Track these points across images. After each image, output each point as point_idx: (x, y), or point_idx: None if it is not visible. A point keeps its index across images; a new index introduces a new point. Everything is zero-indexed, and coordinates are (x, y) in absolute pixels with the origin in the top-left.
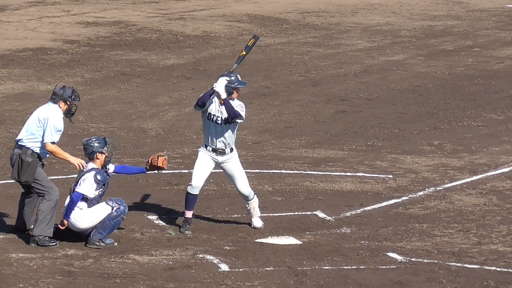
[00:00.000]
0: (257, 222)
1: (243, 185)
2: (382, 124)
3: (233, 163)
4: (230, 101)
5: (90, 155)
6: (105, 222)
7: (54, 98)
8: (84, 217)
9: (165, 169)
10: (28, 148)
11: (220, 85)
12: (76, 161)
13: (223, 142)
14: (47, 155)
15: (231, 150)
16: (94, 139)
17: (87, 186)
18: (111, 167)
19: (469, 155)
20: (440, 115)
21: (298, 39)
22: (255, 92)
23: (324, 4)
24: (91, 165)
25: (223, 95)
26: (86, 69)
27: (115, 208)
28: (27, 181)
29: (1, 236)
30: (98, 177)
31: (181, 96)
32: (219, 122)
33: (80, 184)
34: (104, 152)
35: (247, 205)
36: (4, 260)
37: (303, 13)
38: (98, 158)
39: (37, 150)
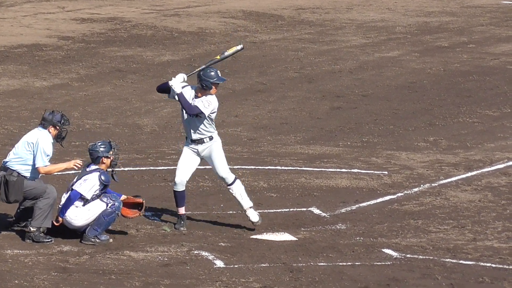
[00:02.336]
0: (252, 216)
1: (221, 167)
2: (377, 121)
3: (212, 149)
4: (207, 95)
5: (95, 160)
6: (100, 219)
7: (44, 123)
8: (79, 215)
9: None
10: (14, 170)
11: (175, 80)
12: (70, 165)
13: (198, 133)
14: (32, 177)
15: (211, 138)
16: (99, 144)
17: (88, 187)
18: (86, 193)
19: (464, 152)
20: (435, 112)
21: (293, 36)
22: (250, 88)
23: (319, 1)
24: (93, 166)
25: (177, 90)
26: (81, 66)
27: (109, 205)
28: (16, 200)
29: None
30: (103, 177)
31: None
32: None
33: (81, 184)
34: (109, 156)
35: (231, 192)
36: (0, 257)
37: (298, 10)
38: (104, 163)
39: (25, 174)
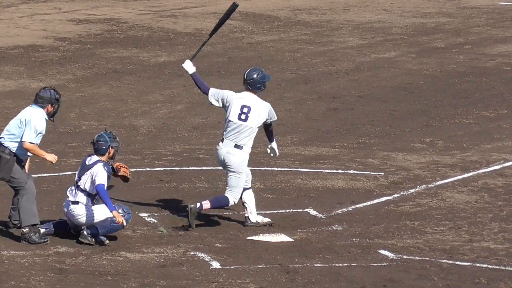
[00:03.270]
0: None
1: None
2: (373, 122)
3: None
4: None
5: (103, 151)
6: (106, 222)
7: (41, 101)
8: (87, 213)
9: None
10: (6, 147)
11: (185, 64)
12: (51, 157)
13: None
14: (26, 156)
15: None
16: (105, 135)
17: (103, 176)
18: (101, 180)
19: (461, 153)
20: (431, 113)
21: (289, 37)
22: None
23: (315, 2)
24: (95, 157)
25: (190, 71)
26: (78, 67)
27: (126, 216)
28: (3, 178)
29: None
30: (106, 168)
31: (173, 94)
32: None
33: (94, 179)
34: (114, 146)
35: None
36: None
37: (294, 11)
38: (110, 153)
39: (14, 150)
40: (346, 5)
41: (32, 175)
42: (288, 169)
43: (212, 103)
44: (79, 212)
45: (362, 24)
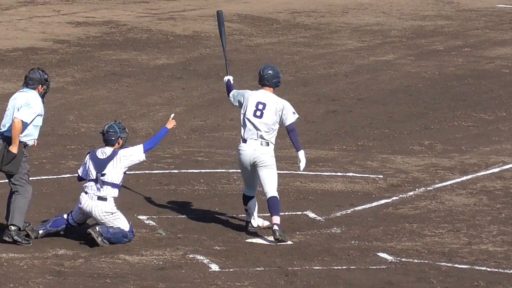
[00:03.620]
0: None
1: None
2: (372, 124)
3: None
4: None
5: (113, 141)
6: (117, 230)
7: (32, 83)
8: (113, 213)
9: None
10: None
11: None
12: (15, 150)
13: None
14: (33, 141)
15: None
16: (115, 125)
17: (132, 150)
18: (140, 148)
19: (460, 155)
20: (430, 115)
21: (288, 39)
22: None
23: (314, 4)
24: (108, 148)
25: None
26: (77, 69)
27: (131, 231)
28: (11, 171)
29: None
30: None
31: (172, 96)
32: None
33: (134, 161)
34: (123, 137)
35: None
36: None
37: (293, 13)
38: (119, 144)
39: (22, 139)
40: (344, 7)
41: (31, 178)
42: (287, 171)
43: (233, 104)
44: (106, 209)
45: (360, 27)
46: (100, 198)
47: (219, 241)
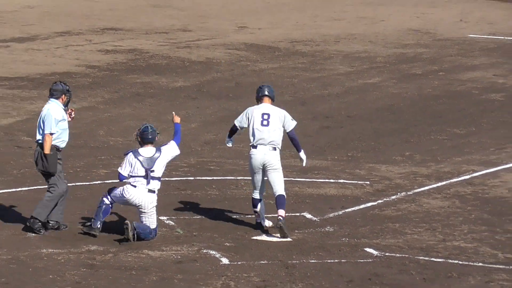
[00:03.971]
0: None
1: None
2: (360, 138)
3: None
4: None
5: (152, 139)
6: (145, 227)
7: (56, 94)
8: (154, 207)
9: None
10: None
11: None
12: (48, 151)
13: None
14: (65, 144)
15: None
16: (150, 126)
17: (170, 147)
18: (174, 144)
19: (435, 165)
20: (410, 130)
21: (288, 65)
22: None
23: (310, 35)
24: (151, 147)
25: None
26: (106, 91)
27: (154, 230)
28: (50, 173)
29: (34, 235)
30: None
31: (188, 114)
32: None
33: (174, 155)
34: (157, 135)
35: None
36: (36, 255)
37: (292, 42)
38: (156, 140)
39: (53, 143)
40: (337, 37)
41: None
42: (287, 178)
43: (243, 127)
44: (154, 200)
45: (350, 54)
46: (150, 191)
47: (228, 239)
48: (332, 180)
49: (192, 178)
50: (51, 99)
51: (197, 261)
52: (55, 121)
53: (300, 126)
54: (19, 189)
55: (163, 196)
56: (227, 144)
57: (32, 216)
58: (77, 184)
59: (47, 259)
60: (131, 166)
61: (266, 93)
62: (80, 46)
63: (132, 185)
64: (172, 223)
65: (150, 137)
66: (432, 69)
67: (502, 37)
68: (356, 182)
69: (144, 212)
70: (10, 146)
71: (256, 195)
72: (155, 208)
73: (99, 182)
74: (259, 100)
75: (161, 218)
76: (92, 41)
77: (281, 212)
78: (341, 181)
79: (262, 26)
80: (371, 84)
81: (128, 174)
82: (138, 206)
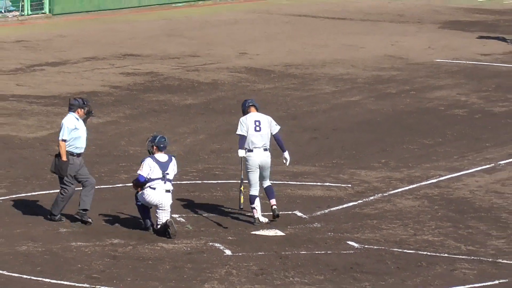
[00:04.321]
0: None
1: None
2: (343, 147)
3: None
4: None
5: (165, 148)
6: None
7: (72, 108)
8: (170, 206)
9: None
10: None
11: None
12: (64, 158)
13: None
14: (82, 150)
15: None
16: (164, 137)
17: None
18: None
19: (407, 170)
20: (386, 141)
21: (282, 85)
22: None
23: (301, 60)
24: (164, 154)
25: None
26: (127, 107)
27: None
28: (62, 175)
29: (65, 230)
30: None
31: (196, 127)
32: None
33: (174, 170)
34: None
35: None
36: (67, 247)
37: (285, 66)
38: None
39: (71, 151)
40: (323, 62)
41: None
42: (281, 182)
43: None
44: (170, 199)
45: (335, 76)
46: (167, 191)
47: (231, 233)
48: (319, 183)
49: (200, 182)
50: (70, 112)
51: (204, 253)
52: (68, 129)
53: (292, 137)
54: (52, 191)
55: (175, 197)
56: (241, 155)
57: (50, 211)
58: (102, 187)
59: (76, 251)
60: (150, 169)
61: (252, 103)
62: (104, 69)
63: (151, 188)
64: (183, 220)
65: (162, 146)
66: (404, 89)
67: (464, 62)
68: (340, 185)
69: (163, 209)
70: (44, 155)
71: (255, 192)
72: (170, 207)
73: (120, 185)
74: (246, 111)
75: (174, 215)
76: (115, 65)
77: (274, 202)
78: (327, 184)
79: (260, 53)
80: (352, 102)
81: (147, 176)
82: (159, 205)
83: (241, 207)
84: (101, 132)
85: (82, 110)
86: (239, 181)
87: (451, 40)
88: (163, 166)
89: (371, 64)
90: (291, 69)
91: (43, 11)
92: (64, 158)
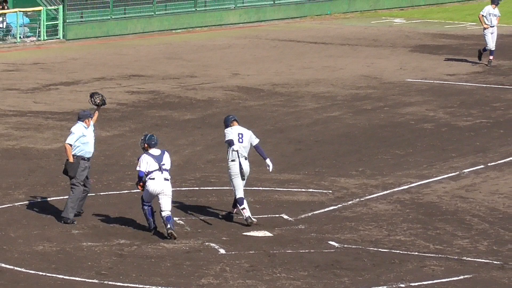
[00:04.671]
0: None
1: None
2: (325, 158)
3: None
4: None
5: (156, 145)
6: (171, 219)
7: (81, 118)
8: (171, 193)
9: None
10: (73, 155)
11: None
12: (71, 159)
13: None
14: (90, 154)
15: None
16: (153, 135)
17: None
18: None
19: (382, 178)
20: (362, 152)
21: (270, 102)
22: None
23: (287, 80)
24: (157, 149)
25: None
26: (132, 122)
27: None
28: (70, 176)
29: (77, 231)
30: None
31: (194, 140)
32: None
33: (169, 161)
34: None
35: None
36: (79, 247)
37: (273, 85)
38: None
39: (77, 153)
40: (307, 81)
41: (101, 193)
42: (269, 188)
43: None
44: (170, 186)
45: (317, 94)
46: (166, 179)
47: (225, 234)
48: (303, 190)
49: (197, 188)
50: (78, 122)
51: (201, 251)
52: (76, 136)
53: (278, 149)
54: (66, 196)
55: (175, 202)
56: (234, 146)
57: (62, 216)
58: (109, 193)
59: (87, 250)
60: (147, 164)
61: (234, 118)
62: (112, 88)
63: (151, 179)
64: (182, 222)
65: (153, 142)
66: (379, 105)
67: (432, 81)
68: (322, 191)
69: (165, 195)
70: (59, 164)
71: (241, 194)
72: (171, 192)
73: (126, 191)
74: (229, 125)
75: (174, 218)
76: (121, 84)
77: (250, 216)
78: (310, 190)
79: (251, 73)
80: (332, 117)
81: (146, 170)
82: (161, 192)
83: (252, 220)
84: (109, 144)
85: (90, 119)
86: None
87: (420, 62)
88: (158, 159)
89: (349, 83)
90: (278, 88)
91: (58, 37)
92: (71, 159)
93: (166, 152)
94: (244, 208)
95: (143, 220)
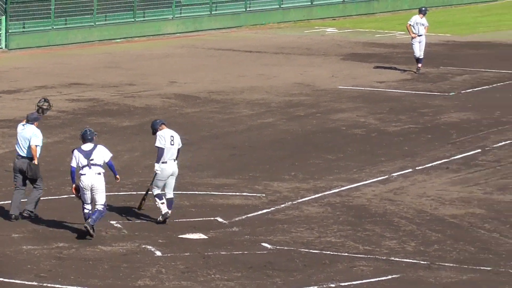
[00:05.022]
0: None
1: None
2: (258, 163)
3: None
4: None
5: (92, 139)
6: (97, 213)
7: (31, 121)
8: (104, 184)
9: None
10: (29, 157)
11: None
12: (36, 162)
13: None
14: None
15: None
16: (90, 129)
17: (107, 152)
18: (109, 155)
19: (313, 181)
20: (295, 156)
21: (206, 109)
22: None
23: (222, 87)
24: (90, 143)
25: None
26: (72, 129)
27: (105, 207)
28: (38, 177)
29: (17, 235)
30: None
31: (132, 146)
32: None
33: (105, 154)
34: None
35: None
36: (18, 250)
37: (209, 93)
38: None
39: (31, 156)
40: (242, 89)
41: (42, 198)
42: (204, 192)
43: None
44: (102, 180)
45: (252, 101)
46: (97, 173)
47: (161, 237)
48: (237, 193)
49: (135, 193)
50: (27, 124)
51: (138, 254)
52: (40, 137)
53: (214, 154)
54: (8, 201)
55: (113, 206)
56: (158, 169)
57: (27, 210)
58: (50, 198)
59: (27, 253)
60: (76, 159)
61: (162, 122)
62: (53, 96)
63: (82, 174)
64: (119, 225)
65: (89, 137)
66: (311, 112)
67: (363, 88)
68: (255, 194)
69: (97, 190)
70: (1, 171)
71: (160, 191)
72: (104, 187)
73: (66, 196)
74: (158, 128)
75: (111, 222)
76: (62, 92)
77: (169, 211)
78: (244, 194)
79: (188, 81)
80: (267, 123)
81: (77, 165)
82: (92, 187)
83: (142, 208)
84: (49, 150)
85: (37, 122)
86: (146, 189)
87: (351, 70)
88: (87, 154)
89: (283, 90)
90: (214, 95)
91: (0, 47)
92: (36, 161)
93: (99, 146)
94: (164, 203)
95: (81, 224)
